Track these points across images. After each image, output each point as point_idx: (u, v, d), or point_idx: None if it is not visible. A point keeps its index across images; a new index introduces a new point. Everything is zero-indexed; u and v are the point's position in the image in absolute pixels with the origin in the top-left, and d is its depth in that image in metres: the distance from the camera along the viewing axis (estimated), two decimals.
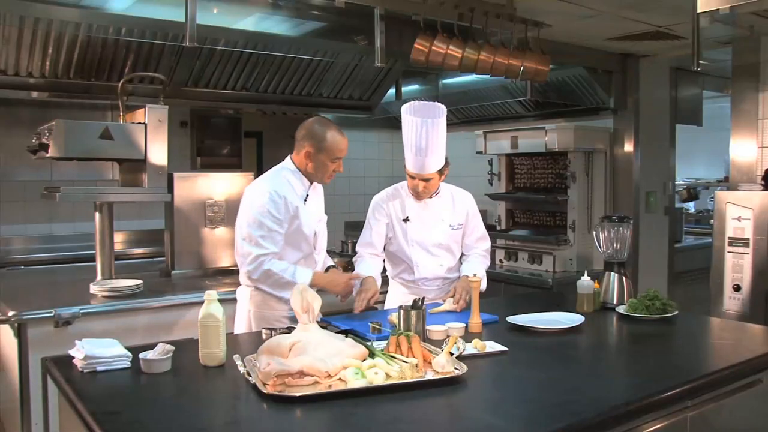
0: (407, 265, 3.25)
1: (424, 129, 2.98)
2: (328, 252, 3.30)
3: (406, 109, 3.06)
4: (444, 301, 3.07)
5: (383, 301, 3.43)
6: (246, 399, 1.92)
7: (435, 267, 3.24)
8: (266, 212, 2.82)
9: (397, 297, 3.29)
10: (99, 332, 3.00)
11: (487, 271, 3.32)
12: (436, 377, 1.99)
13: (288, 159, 3.01)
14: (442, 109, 3.05)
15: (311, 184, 3.01)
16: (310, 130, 2.92)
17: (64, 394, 2.02)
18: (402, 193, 3.27)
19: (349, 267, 4.03)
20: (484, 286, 3.20)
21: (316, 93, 5.19)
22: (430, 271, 3.24)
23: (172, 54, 4.25)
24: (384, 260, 3.33)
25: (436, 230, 3.23)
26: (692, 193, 6.81)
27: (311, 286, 2.76)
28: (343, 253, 4.77)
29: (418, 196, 3.18)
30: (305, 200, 2.97)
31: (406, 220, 3.22)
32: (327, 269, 3.11)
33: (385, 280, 3.31)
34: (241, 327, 2.96)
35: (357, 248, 3.30)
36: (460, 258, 3.37)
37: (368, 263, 3.19)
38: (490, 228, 5.30)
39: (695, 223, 6.93)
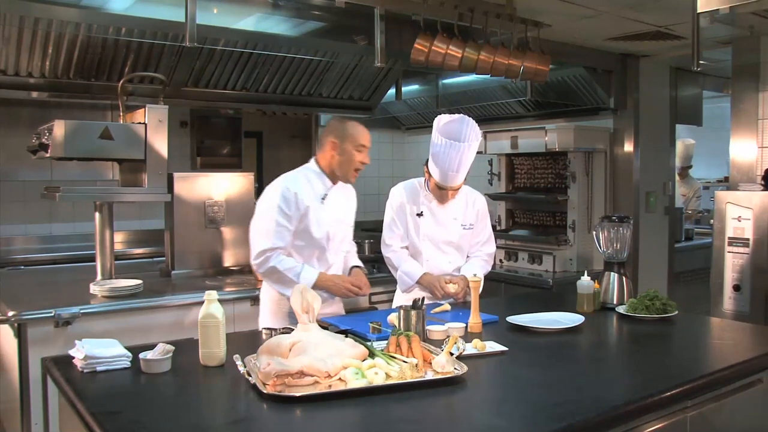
0: (416, 259, 3.29)
1: (459, 152, 3.01)
2: None
3: (440, 130, 3.06)
4: (448, 283, 3.12)
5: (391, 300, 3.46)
6: (246, 399, 1.92)
7: (444, 263, 3.28)
8: (276, 207, 2.88)
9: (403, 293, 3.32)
10: (99, 332, 3.00)
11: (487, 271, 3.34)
12: (436, 377, 2.00)
13: (312, 160, 3.07)
14: (475, 127, 3.07)
15: (334, 184, 3.03)
16: (331, 125, 3.03)
17: (64, 394, 2.02)
18: (418, 187, 3.31)
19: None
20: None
21: (316, 93, 5.19)
22: (438, 267, 3.26)
23: (172, 54, 4.25)
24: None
25: (448, 228, 3.28)
26: None
27: (314, 287, 2.81)
28: None
29: (444, 201, 3.22)
30: (323, 199, 2.99)
31: (419, 214, 3.26)
32: (350, 270, 3.14)
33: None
34: (266, 322, 3.02)
35: (387, 241, 3.31)
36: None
37: (412, 262, 3.25)
38: None
39: (695, 223, 6.91)
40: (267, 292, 3.06)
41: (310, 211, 2.93)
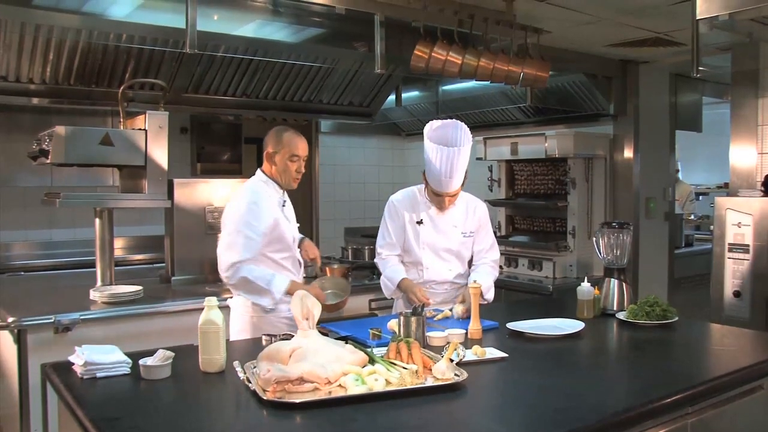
0: (416, 267, 3.28)
1: (450, 157, 3.00)
2: (329, 258, 3.31)
3: (430, 136, 3.07)
4: (455, 303, 3.09)
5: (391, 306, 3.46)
6: (246, 405, 1.92)
7: (444, 271, 3.28)
8: (243, 221, 2.88)
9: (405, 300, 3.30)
10: (99, 338, 3.00)
11: None
12: (436, 384, 1.99)
13: (258, 171, 3.09)
14: (466, 131, 3.07)
15: (284, 191, 3.09)
16: (270, 134, 3.05)
17: (64, 401, 2.02)
18: (418, 195, 3.30)
19: (349, 272, 4.02)
20: (491, 296, 3.22)
21: (316, 99, 5.20)
22: (439, 275, 3.26)
23: (173, 60, 4.26)
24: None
25: (448, 236, 3.27)
26: None
27: (287, 293, 2.85)
28: (343, 260, 4.76)
29: (442, 207, 3.21)
30: (284, 205, 3.07)
31: (419, 222, 3.25)
32: (300, 241, 3.20)
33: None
34: (242, 334, 2.97)
35: (378, 249, 3.33)
36: (470, 266, 3.39)
37: (395, 267, 3.24)
38: None
39: (695, 229, 6.92)
40: (237, 308, 3.05)
41: (280, 219, 2.98)
